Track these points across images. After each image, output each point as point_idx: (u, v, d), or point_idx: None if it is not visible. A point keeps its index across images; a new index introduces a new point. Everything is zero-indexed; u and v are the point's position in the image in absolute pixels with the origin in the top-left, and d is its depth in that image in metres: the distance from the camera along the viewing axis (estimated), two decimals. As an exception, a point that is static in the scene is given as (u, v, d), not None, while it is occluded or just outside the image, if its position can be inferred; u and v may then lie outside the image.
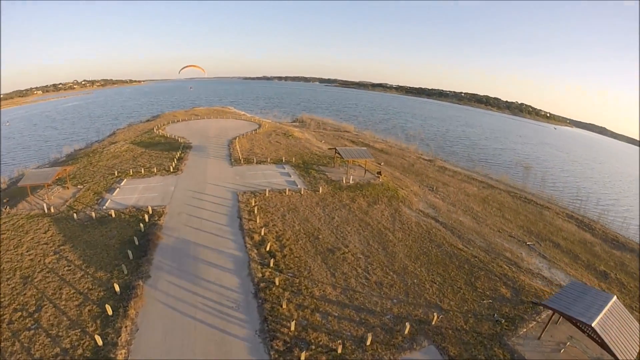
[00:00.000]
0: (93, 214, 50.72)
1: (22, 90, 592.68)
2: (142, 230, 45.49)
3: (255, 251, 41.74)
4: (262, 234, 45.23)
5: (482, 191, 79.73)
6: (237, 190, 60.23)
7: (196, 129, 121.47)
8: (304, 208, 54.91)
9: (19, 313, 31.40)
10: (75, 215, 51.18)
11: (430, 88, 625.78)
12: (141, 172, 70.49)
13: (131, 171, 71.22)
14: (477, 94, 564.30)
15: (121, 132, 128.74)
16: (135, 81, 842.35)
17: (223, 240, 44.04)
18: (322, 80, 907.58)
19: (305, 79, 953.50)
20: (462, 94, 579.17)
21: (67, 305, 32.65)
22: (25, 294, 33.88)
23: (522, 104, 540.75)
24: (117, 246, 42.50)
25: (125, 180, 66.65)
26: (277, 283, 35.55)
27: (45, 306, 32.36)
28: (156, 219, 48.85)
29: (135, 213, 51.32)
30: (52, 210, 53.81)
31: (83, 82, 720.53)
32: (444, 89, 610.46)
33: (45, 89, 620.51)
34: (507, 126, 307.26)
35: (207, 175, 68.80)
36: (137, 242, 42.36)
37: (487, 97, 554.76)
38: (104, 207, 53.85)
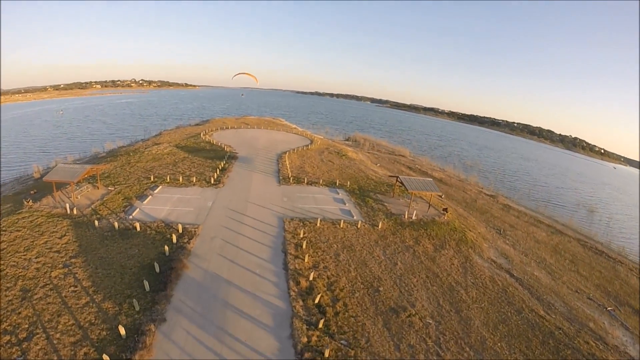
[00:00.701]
0: (116, 224, 46.09)
1: (82, 83, 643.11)
2: (167, 253, 39.69)
3: (301, 302, 34.21)
4: (311, 278, 37.82)
5: (552, 238, 70.49)
6: (283, 215, 53.71)
7: (244, 139, 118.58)
8: (362, 247, 47.20)
9: (8, 337, 27.61)
10: (96, 222, 46.96)
11: (482, 115, 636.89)
12: (179, 180, 66.39)
13: (168, 177, 67.41)
14: (529, 125, 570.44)
15: (167, 133, 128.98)
16: (190, 85, 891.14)
17: (262, 281, 36.98)
18: (373, 100, 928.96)
19: (357, 98, 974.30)
20: (515, 124, 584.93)
21: (61, 340, 27.54)
22: (20, 313, 29.81)
23: (575, 138, 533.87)
24: (135, 270, 36.91)
25: (160, 187, 62.61)
26: (326, 355, 27.77)
27: (38, 335, 27.82)
28: (185, 240, 43.03)
29: (163, 229, 46.03)
30: (75, 212, 50.50)
31: (141, 81, 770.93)
32: (497, 117, 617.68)
33: (104, 84, 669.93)
34: (564, 162, 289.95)
35: (251, 192, 63.19)
36: (158, 269, 36.43)
37: (540, 129, 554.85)
38: (130, 217, 49.33)
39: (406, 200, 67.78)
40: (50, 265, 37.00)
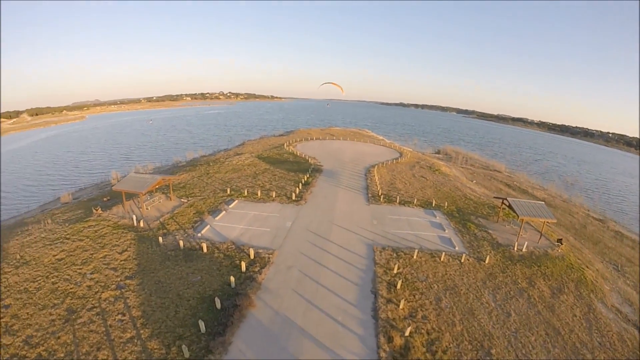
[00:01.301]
0: (181, 243, 41.94)
1: (173, 95, 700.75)
2: (233, 285, 33.88)
3: (395, 369, 26.06)
4: (407, 333, 29.37)
5: (674, 275, 55.45)
6: (373, 243, 45.79)
7: (330, 150, 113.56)
8: (467, 289, 37.59)
9: (40, 366, 24.30)
10: (161, 238, 43.41)
11: (574, 126, 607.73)
12: (257, 195, 62.00)
13: (246, 191, 63.53)
14: (625, 135, 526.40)
15: (250, 143, 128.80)
16: (276, 97, 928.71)
17: (345, 333, 29.20)
18: (459, 111, 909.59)
19: (442, 109, 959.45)
20: (610, 135, 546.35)
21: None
22: (59, 338, 27.37)
23: None
24: (193, 302, 31.57)
25: (236, 201, 58.56)
26: None
27: (68, 373, 23.73)
28: (257, 269, 37.05)
29: (233, 253, 40.72)
30: (142, 224, 48.50)
31: (228, 94, 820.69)
32: (590, 127, 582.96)
33: (193, 96, 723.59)
34: None
35: (336, 212, 56.33)
36: (219, 305, 30.60)
37: (638, 140, 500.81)
38: (199, 235, 45.16)
39: (513, 227, 57.42)
40: (103, 284, 34.34)
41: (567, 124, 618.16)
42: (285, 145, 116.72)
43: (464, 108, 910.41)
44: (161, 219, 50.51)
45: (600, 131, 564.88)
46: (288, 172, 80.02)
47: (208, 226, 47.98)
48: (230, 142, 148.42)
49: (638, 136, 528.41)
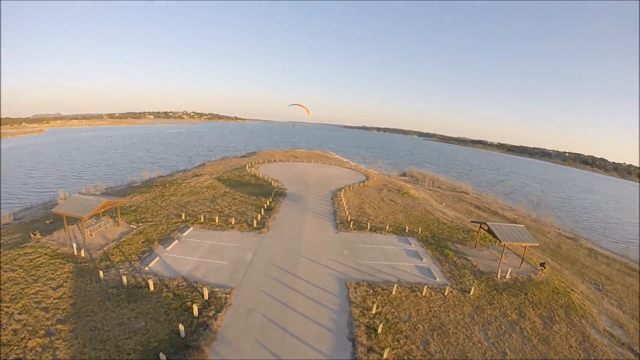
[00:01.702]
0: (125, 279, 35.97)
1: (136, 113, 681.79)
2: (183, 334, 28.37)
3: None
4: (396, 392, 25.04)
5: (653, 289, 56.23)
6: (346, 277, 41.34)
7: (294, 173, 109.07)
8: (455, 327, 33.98)
9: None
10: (101, 273, 37.30)
11: (532, 147, 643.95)
12: (214, 221, 56.37)
13: (203, 217, 57.68)
14: (581, 154, 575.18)
15: (211, 164, 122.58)
16: (240, 118, 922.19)
17: (321, 398, 24.64)
18: (420, 134, 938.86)
19: (404, 132, 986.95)
20: (566, 154, 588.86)
21: None
22: None
23: (630, 165, 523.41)
24: (134, 356, 26.02)
25: (191, 229, 52.80)
26: None
27: None
28: (212, 313, 31.57)
29: (184, 292, 35.11)
30: (83, 254, 42.44)
31: (192, 114, 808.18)
32: (547, 148, 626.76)
33: (157, 115, 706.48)
34: (625, 192, 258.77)
35: (303, 241, 51.57)
36: (163, 362, 25.16)
37: (592, 158, 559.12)
38: (146, 269, 39.27)
39: (492, 252, 55.59)
40: (31, 328, 28.72)
41: (524, 145, 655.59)
42: (247, 166, 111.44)
43: (425, 131, 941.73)
44: (105, 248, 44.36)
45: (557, 151, 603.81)
46: (249, 195, 74.85)
47: (157, 258, 42.12)
48: (190, 162, 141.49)
49: (592, 154, 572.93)
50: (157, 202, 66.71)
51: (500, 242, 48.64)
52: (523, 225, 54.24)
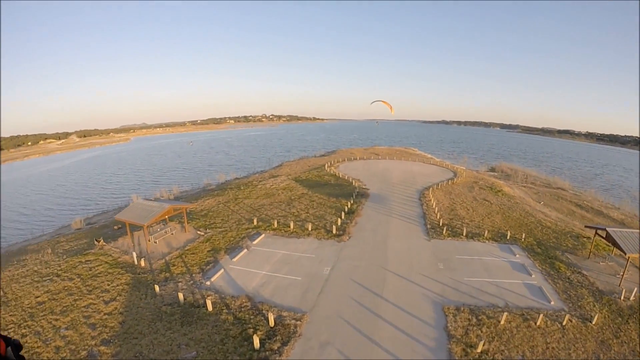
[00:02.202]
0: (181, 296, 31.23)
1: (217, 118, 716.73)
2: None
3: None
4: None
5: None
6: (442, 300, 33.08)
7: (376, 171, 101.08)
8: None
9: None
10: (157, 287, 32.92)
11: (622, 135, 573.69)
12: (289, 227, 50.76)
13: (276, 223, 52.38)
14: None
15: (288, 164, 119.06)
16: (318, 119, 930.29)
17: None
18: (503, 126, 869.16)
19: (486, 124, 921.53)
20: None
21: None
22: None
23: None
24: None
25: (262, 236, 47.72)
26: None
27: None
28: (276, 346, 25.32)
29: (247, 315, 29.44)
30: (143, 263, 39.18)
31: (271, 116, 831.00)
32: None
33: (237, 119, 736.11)
34: None
35: (389, 251, 43.95)
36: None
37: None
38: (207, 284, 34.62)
39: (610, 265, 44.13)
40: (73, 347, 26.30)
41: (615, 133, 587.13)
42: (325, 166, 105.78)
43: (508, 123, 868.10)
44: (167, 257, 40.73)
45: None
46: (328, 197, 68.70)
47: (222, 270, 37.16)
48: (268, 163, 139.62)
49: None
50: (229, 205, 63.14)
51: (626, 254, 37.39)
52: None
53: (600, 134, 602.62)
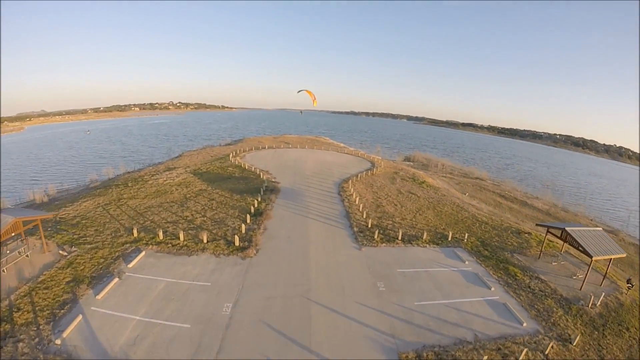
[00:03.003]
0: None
1: (122, 105, 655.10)
2: None
3: None
4: None
5: None
6: (395, 342, 24.72)
7: (286, 161, 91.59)
8: None
9: None
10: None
11: (522, 129, 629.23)
12: (178, 239, 39.04)
13: (161, 234, 40.21)
14: (572, 136, 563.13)
15: (189, 155, 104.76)
16: (227, 107, 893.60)
17: None
18: (409, 118, 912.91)
19: (393, 116, 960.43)
20: (557, 136, 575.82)
21: None
22: None
23: (620, 147, 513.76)
24: None
25: (142, 253, 35.72)
26: None
27: None
28: None
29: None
30: None
31: (178, 104, 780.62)
32: (537, 130, 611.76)
33: (142, 107, 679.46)
34: (628, 175, 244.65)
35: (312, 270, 34.40)
36: None
37: (583, 140, 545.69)
38: (56, 344, 22.75)
39: (562, 265, 40.25)
40: None
41: (514, 127, 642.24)
42: (230, 155, 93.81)
43: (414, 115, 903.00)
44: (13, 296, 27.63)
45: (548, 133, 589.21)
46: (231, 194, 57.75)
47: (80, 317, 25.15)
48: (167, 153, 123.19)
49: (584, 137, 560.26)
50: (109, 209, 49.58)
51: (592, 257, 33.02)
52: (601, 228, 38.80)
53: (502, 128, 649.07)
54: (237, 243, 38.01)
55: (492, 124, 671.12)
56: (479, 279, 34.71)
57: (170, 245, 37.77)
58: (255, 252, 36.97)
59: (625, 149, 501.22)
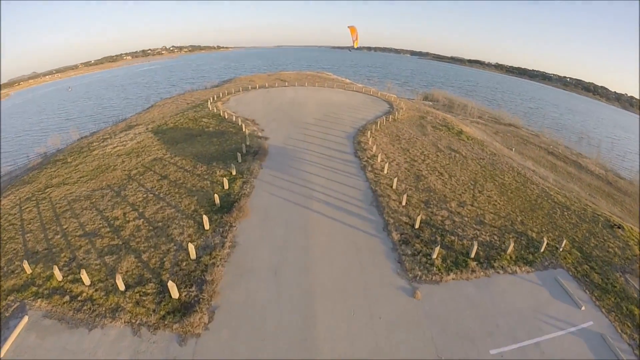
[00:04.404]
0: None
1: (113, 56, 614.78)
2: None
3: None
4: None
5: None
6: None
7: (280, 104, 69.58)
8: None
9: None
10: None
11: (530, 69, 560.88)
12: (83, 283, 20.14)
13: (57, 272, 20.96)
14: (582, 80, 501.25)
15: (162, 104, 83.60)
16: (223, 47, 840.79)
17: None
18: (413, 53, 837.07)
19: (396, 51, 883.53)
20: (568, 79, 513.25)
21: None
22: None
23: (631, 97, 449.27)
24: None
25: (24, 322, 17.47)
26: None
27: None
28: None
29: None
30: None
31: (171, 48, 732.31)
32: (547, 71, 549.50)
33: (134, 55, 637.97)
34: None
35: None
36: None
37: (594, 85, 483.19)
38: None
39: None
40: None
41: (523, 67, 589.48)
42: (209, 101, 71.73)
43: (418, 50, 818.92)
44: None
45: (558, 75, 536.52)
46: (196, 163, 38.30)
47: None
48: (144, 104, 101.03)
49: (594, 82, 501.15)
50: (23, 210, 30.99)
51: None
52: None
53: (510, 66, 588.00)
54: (174, 294, 18.95)
55: (500, 62, 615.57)
56: (610, 350, 17.06)
57: (68, 296, 19.35)
58: (207, 319, 17.85)
59: (636, 99, 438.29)
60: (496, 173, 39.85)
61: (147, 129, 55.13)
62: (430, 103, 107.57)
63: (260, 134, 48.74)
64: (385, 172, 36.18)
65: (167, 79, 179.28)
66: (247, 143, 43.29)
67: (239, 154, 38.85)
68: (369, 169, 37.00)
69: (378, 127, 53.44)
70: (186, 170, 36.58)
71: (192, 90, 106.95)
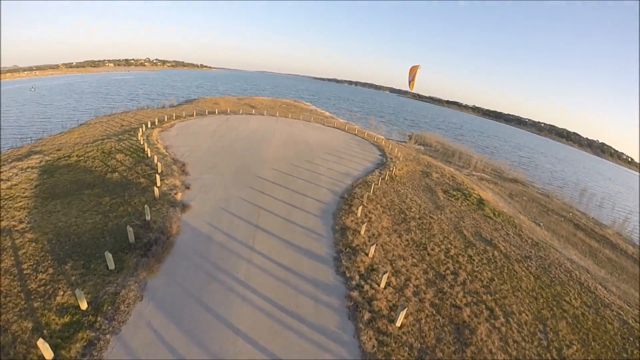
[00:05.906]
0: None
1: (95, 61, 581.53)
2: None
3: None
4: None
5: None
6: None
7: (233, 140, 51.48)
8: None
9: None
10: None
11: (506, 113, 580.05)
12: None
13: None
14: (555, 126, 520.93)
15: (93, 124, 64.00)
16: (206, 66, 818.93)
17: None
18: (392, 90, 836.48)
19: (376, 87, 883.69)
20: (542, 124, 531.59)
21: None
22: None
23: (602, 144, 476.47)
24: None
25: None
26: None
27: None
28: None
29: None
30: None
31: (154, 61, 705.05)
32: (521, 116, 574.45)
33: (117, 62, 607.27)
34: (623, 177, 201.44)
35: None
36: None
37: (566, 131, 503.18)
38: None
39: None
40: None
41: (498, 110, 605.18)
42: (141, 129, 51.71)
43: (397, 88, 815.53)
44: None
45: (532, 120, 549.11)
46: (43, 258, 19.82)
47: None
48: (81, 119, 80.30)
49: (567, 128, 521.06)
50: None
51: None
52: None
53: (486, 109, 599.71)
54: None
55: (476, 104, 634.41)
56: None
57: None
58: None
59: (607, 146, 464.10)
60: (557, 291, 23.86)
61: (40, 161, 36.29)
62: (423, 148, 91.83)
63: (180, 195, 29.80)
64: (399, 323, 17.64)
65: (131, 92, 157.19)
66: (148, 217, 24.65)
67: (110, 255, 19.07)
68: (366, 315, 17.94)
69: (370, 191, 36.00)
70: (14, 279, 17.96)
71: (142, 108, 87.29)
